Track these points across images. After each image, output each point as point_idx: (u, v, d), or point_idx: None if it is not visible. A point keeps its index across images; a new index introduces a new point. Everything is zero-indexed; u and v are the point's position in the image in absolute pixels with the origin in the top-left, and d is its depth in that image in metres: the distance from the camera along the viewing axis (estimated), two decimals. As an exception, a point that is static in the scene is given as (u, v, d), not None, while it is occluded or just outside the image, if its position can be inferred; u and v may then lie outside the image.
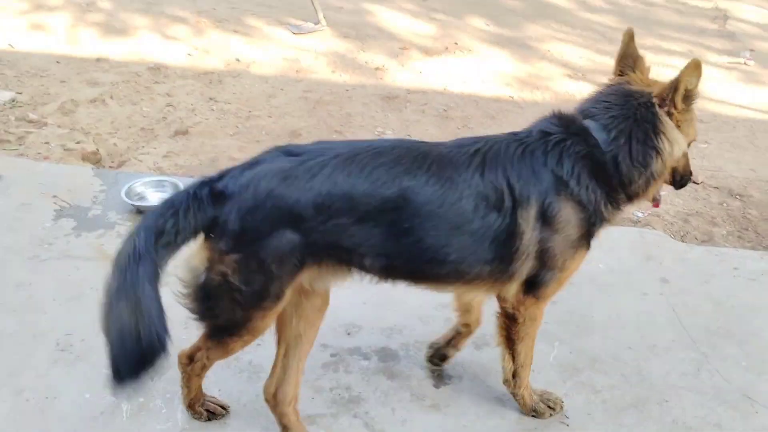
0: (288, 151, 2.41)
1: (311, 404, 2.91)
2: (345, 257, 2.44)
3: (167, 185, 4.30)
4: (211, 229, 2.31)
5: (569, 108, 2.68)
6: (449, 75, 6.69)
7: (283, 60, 6.72)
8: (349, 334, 3.31)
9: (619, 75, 2.65)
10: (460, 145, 2.57)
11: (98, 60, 6.34)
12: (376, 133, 5.45)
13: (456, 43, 7.50)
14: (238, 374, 3.04)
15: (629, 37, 2.65)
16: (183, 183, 4.18)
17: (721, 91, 6.73)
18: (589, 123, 2.54)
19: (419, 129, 5.56)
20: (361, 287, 3.50)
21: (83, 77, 5.98)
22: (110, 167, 4.76)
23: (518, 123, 5.68)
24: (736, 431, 2.90)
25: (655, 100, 2.49)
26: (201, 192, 2.31)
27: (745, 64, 7.49)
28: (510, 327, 2.74)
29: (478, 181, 2.43)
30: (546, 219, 2.46)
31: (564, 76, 6.86)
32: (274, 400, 2.69)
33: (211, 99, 5.83)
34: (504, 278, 2.56)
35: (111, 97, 5.68)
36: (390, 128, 5.54)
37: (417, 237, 2.40)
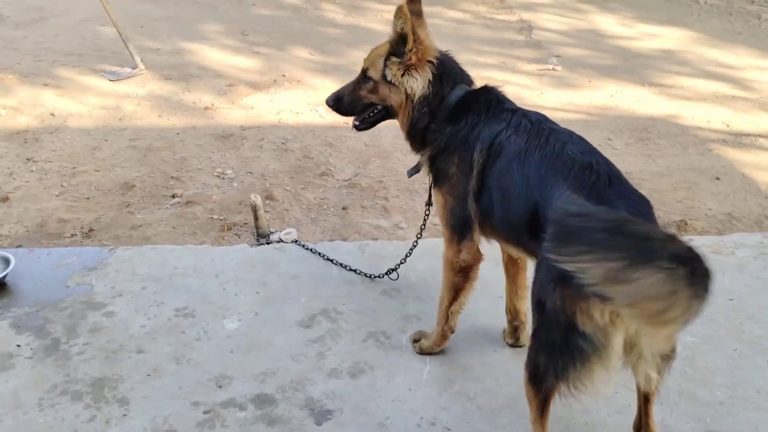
0: None
1: (189, 467, 2.77)
2: None
3: (-5, 259, 3.92)
4: None
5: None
6: (281, 107, 6.68)
7: (102, 109, 6.40)
8: (220, 386, 3.17)
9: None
10: None
11: None
12: (215, 174, 5.31)
13: (284, 75, 7.51)
14: None
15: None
16: (13, 255, 3.85)
17: (534, 97, 7.23)
18: None
19: (260, 164, 5.49)
20: (226, 336, 3.44)
21: None
22: None
23: (356, 147, 5.83)
24: (600, 413, 3.08)
25: None
26: None
27: (553, 69, 8.10)
28: None
29: None
30: None
31: (392, 97, 7.04)
32: None
33: (29, 159, 5.42)
34: None
35: None
36: (229, 167, 5.42)
37: None
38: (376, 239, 4.49)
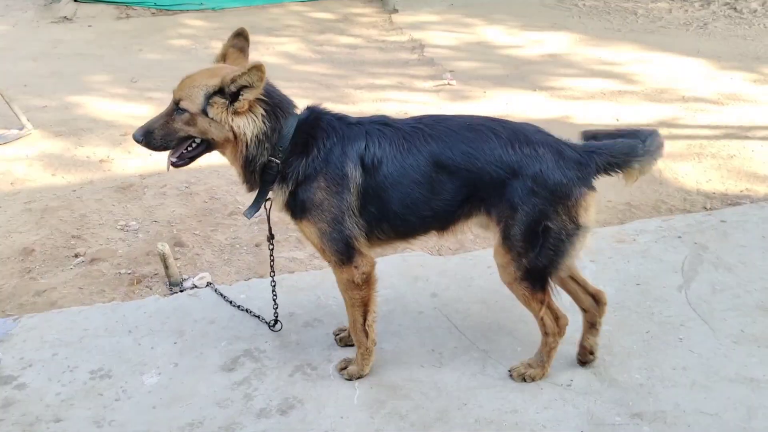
0: None
1: None
2: None
3: None
4: None
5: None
6: (181, 151, 6.54)
7: (-8, 175, 6.11)
8: (143, 445, 3.06)
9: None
10: None
11: None
12: (118, 227, 5.14)
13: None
14: None
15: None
16: None
17: (434, 113, 7.34)
18: None
19: (165, 212, 5.35)
20: (146, 391, 3.32)
21: None
22: None
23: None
24: (529, 411, 3.15)
25: None
26: None
27: (448, 84, 8.29)
28: None
29: None
30: None
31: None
32: None
33: None
34: None
35: None
36: (133, 218, 5.26)
37: None
38: (292, 272, 4.46)
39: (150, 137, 3.05)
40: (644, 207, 5.24)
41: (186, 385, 3.39)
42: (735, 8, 11.32)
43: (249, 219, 3.30)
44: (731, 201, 5.31)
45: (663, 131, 6.66)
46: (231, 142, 3.01)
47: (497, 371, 3.40)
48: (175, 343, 3.69)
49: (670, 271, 4.16)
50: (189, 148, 3.10)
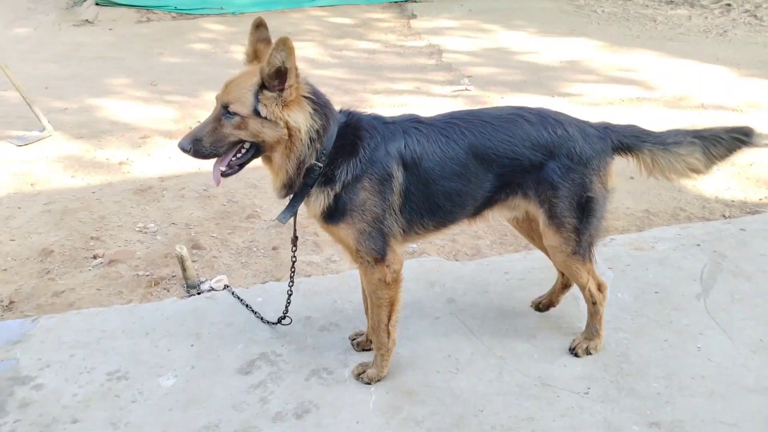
0: None
1: None
2: None
3: None
4: None
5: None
6: (199, 154, 6.58)
7: (12, 176, 6.18)
8: (160, 447, 3.07)
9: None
10: None
11: None
12: (137, 229, 5.18)
13: (199, 121, 7.39)
14: None
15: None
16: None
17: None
18: None
19: (183, 214, 5.39)
20: (163, 394, 3.34)
21: None
22: None
23: (279, 186, 5.78)
24: (546, 419, 3.12)
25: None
26: None
27: (466, 89, 8.29)
28: None
29: None
30: None
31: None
32: None
33: (-62, 235, 5.18)
34: None
35: None
36: (151, 221, 5.30)
37: None
38: (309, 276, 4.46)
39: (198, 145, 2.93)
40: (663, 214, 5.20)
41: (202, 388, 3.40)
42: (755, 15, 11.24)
43: (284, 224, 3.27)
44: (750, 209, 5.26)
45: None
46: (283, 143, 2.95)
47: (514, 378, 3.38)
48: (192, 345, 3.71)
49: (688, 279, 4.13)
50: (237, 155, 3.01)
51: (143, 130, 7.21)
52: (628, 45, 10.22)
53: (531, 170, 3.18)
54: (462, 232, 4.89)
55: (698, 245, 4.48)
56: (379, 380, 3.37)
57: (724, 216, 5.15)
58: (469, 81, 8.56)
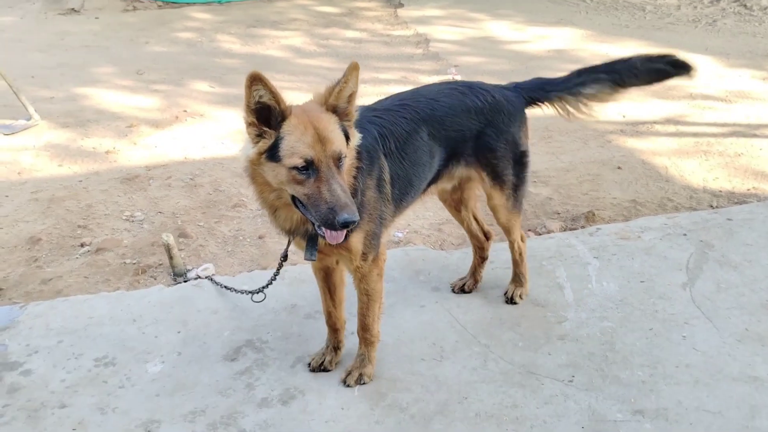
0: None
1: None
2: None
3: None
4: None
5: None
6: (187, 143, 6.57)
7: (-1, 165, 6.14)
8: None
9: None
10: None
11: None
12: (124, 218, 5.16)
13: (185, 111, 7.41)
14: None
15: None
16: None
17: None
18: None
19: (169, 203, 5.37)
20: (150, 379, 3.34)
21: None
22: None
23: (266, 175, 5.76)
24: (530, 406, 3.14)
25: None
26: None
27: (453, 79, 8.27)
28: None
29: None
30: None
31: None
32: None
33: (-77, 224, 5.14)
34: None
35: None
36: (138, 209, 5.28)
37: None
38: (295, 264, 4.46)
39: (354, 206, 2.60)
40: (650, 204, 5.23)
41: (189, 374, 3.40)
42: (745, 5, 11.28)
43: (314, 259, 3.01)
44: (738, 199, 5.29)
45: (670, 128, 6.69)
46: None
47: (498, 366, 3.40)
48: (178, 332, 3.71)
49: (674, 268, 4.16)
50: None
51: (129, 118, 7.17)
52: (616, 34, 10.23)
53: (471, 138, 3.39)
54: (449, 221, 4.90)
55: (685, 235, 4.51)
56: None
57: (711, 206, 5.18)
58: (456, 70, 8.56)
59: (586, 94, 3.58)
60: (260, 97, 2.55)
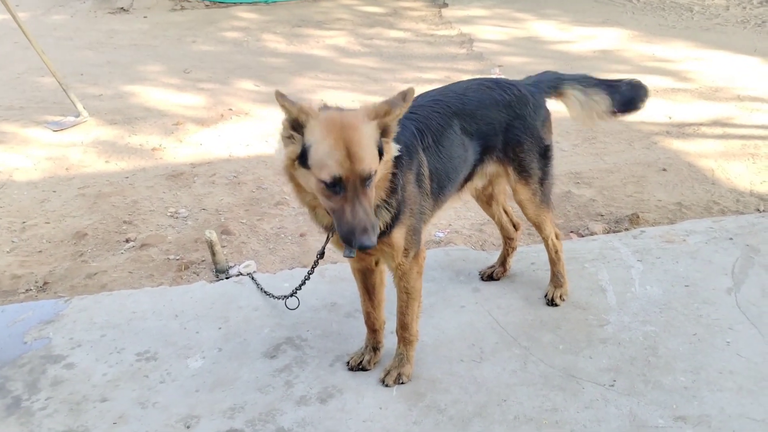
0: None
1: None
2: None
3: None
4: None
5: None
6: (231, 141, 6.66)
7: (48, 160, 6.30)
8: (188, 427, 3.11)
9: None
10: None
11: None
12: (168, 214, 5.26)
13: (230, 109, 7.51)
14: None
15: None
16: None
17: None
18: None
19: (213, 200, 5.45)
20: (190, 375, 3.39)
21: None
22: None
23: (308, 174, 5.81)
24: (570, 410, 3.11)
25: None
26: None
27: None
28: None
29: None
30: None
31: (340, 121, 7.08)
32: None
33: (-25, 218, 5.31)
34: None
35: None
36: (182, 206, 5.37)
37: None
38: (335, 263, 4.49)
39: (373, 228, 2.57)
40: (695, 207, 5.13)
41: (229, 370, 3.45)
42: (797, 6, 10.97)
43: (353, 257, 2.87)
44: (786, 203, 5.16)
45: (717, 131, 6.55)
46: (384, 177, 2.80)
47: (538, 368, 3.37)
48: (219, 328, 3.76)
49: (719, 273, 4.07)
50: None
51: (176, 116, 7.29)
52: (663, 35, 10.05)
53: (500, 131, 3.43)
54: (490, 222, 4.86)
55: (731, 239, 4.41)
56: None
57: (758, 210, 5.06)
58: (500, 70, 8.50)
59: (595, 101, 3.68)
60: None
